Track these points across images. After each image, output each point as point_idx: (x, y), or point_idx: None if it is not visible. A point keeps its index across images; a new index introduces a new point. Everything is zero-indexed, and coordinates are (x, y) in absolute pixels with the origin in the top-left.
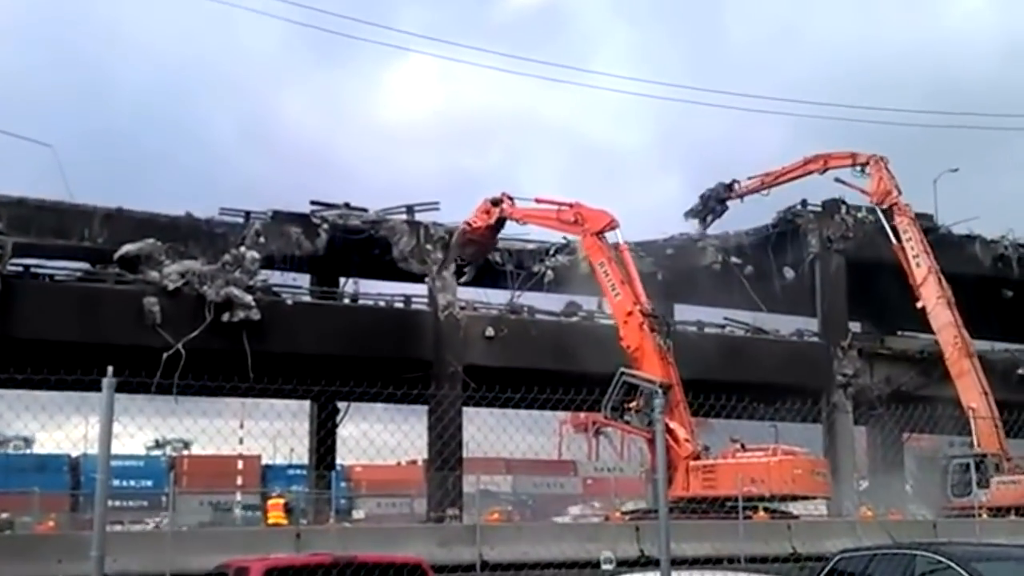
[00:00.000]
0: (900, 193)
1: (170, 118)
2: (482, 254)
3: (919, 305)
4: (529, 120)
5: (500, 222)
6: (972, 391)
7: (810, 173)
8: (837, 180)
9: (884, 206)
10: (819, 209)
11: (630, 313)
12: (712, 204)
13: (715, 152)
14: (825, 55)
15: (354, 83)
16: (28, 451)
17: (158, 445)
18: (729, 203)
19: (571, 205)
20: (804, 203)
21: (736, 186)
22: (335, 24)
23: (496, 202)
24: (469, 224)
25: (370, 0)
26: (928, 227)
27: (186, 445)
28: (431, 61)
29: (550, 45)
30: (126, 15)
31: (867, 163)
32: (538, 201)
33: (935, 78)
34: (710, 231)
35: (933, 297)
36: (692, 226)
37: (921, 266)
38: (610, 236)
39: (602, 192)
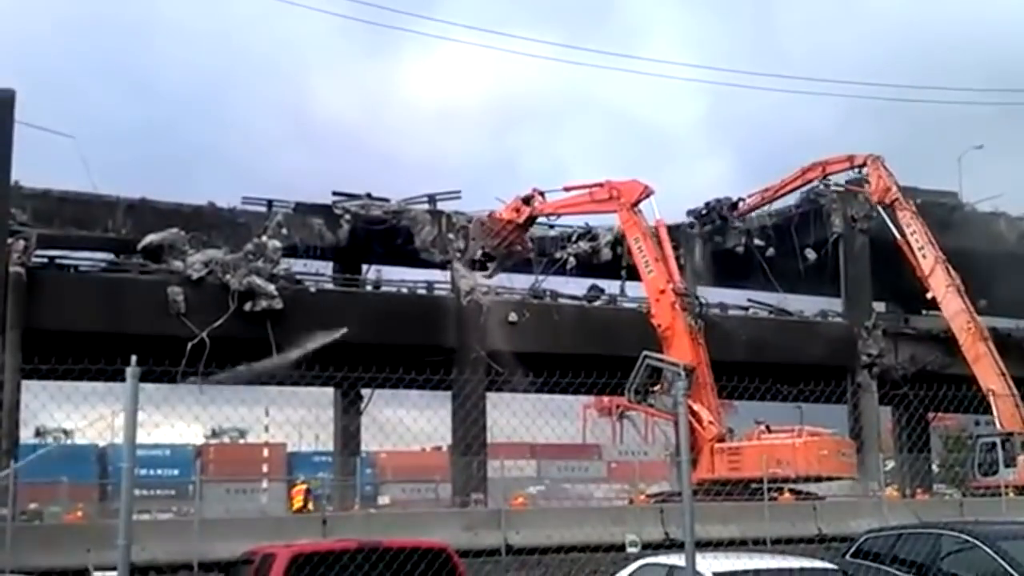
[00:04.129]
0: (899, 189)
1: (215, 111)
2: (509, 253)
3: (929, 296)
4: (578, 104)
5: (530, 220)
6: (990, 373)
7: (810, 182)
8: (836, 186)
9: (885, 203)
10: (842, 189)
11: (662, 291)
12: (714, 215)
13: (768, 133)
14: (879, 35)
15: (399, 72)
16: (69, 442)
17: (215, 434)
18: (729, 220)
19: (601, 184)
20: (827, 183)
21: (740, 204)
22: (381, 15)
23: (527, 200)
24: (491, 215)
25: None
26: (953, 205)
27: (242, 434)
28: (478, 50)
29: (600, 29)
30: (169, 8)
31: (864, 164)
32: (567, 189)
33: (989, 57)
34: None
35: (942, 286)
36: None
37: (927, 257)
38: (646, 208)
39: (651, 174)
